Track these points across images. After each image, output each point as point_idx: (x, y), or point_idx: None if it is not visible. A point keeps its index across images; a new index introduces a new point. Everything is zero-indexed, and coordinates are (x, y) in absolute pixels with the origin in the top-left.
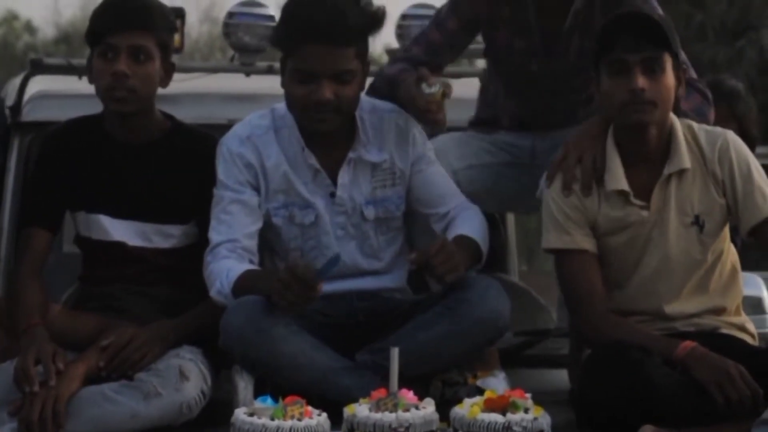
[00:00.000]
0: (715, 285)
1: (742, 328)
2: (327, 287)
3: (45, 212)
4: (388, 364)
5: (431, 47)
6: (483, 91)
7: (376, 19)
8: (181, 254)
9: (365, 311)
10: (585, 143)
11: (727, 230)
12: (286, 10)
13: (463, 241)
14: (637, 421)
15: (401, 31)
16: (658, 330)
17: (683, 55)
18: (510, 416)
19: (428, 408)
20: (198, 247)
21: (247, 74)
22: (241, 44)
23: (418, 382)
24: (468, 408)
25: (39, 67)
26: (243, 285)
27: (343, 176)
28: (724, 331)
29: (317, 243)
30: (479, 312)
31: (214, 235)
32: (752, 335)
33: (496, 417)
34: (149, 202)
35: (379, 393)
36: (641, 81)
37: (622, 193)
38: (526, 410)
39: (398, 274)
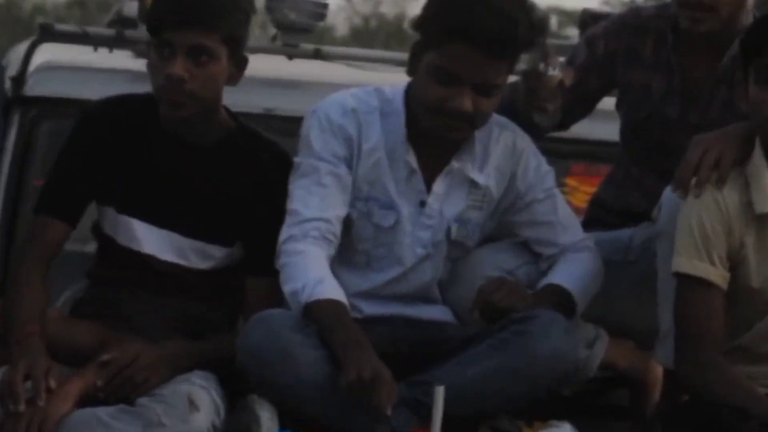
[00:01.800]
0: None
1: None
2: (371, 309)
3: (68, 202)
4: (428, 401)
5: None
6: (612, 174)
7: (542, 30)
8: (216, 276)
9: (410, 341)
10: (726, 142)
11: None
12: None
13: (547, 290)
14: None
15: None
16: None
17: None
18: None
19: None
20: (237, 269)
21: (290, 57)
22: (286, 22)
23: (462, 424)
24: None
25: (49, 34)
26: (321, 315)
27: (440, 185)
28: None
29: (388, 252)
30: (537, 348)
31: (303, 208)
32: None
33: None
34: (196, 215)
35: None
36: None
37: None
38: None
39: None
